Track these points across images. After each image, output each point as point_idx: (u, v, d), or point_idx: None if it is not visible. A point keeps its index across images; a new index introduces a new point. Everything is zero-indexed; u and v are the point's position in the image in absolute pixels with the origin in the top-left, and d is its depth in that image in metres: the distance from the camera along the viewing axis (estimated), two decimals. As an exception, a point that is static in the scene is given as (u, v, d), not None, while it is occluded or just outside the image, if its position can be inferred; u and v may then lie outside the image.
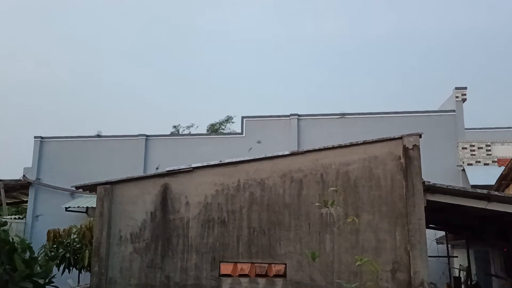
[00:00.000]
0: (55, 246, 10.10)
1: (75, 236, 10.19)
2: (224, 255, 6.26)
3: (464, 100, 16.37)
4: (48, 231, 10.30)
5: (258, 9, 67.54)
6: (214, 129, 30.06)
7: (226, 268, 6.21)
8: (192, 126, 30.99)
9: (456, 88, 16.47)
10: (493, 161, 15.43)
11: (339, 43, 65.79)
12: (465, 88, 16.44)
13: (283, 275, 6.06)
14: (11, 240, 6.06)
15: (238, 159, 6.55)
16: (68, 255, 9.87)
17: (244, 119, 18.00)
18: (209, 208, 6.42)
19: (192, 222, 6.43)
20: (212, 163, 6.61)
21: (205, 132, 29.30)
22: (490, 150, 15.59)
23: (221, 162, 6.56)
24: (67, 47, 63.27)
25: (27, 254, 6.10)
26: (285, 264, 6.09)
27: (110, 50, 65.34)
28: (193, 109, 50.77)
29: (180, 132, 30.14)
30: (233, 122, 30.14)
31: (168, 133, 27.22)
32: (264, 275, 6.10)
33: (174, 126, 31.38)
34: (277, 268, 6.09)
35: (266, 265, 6.12)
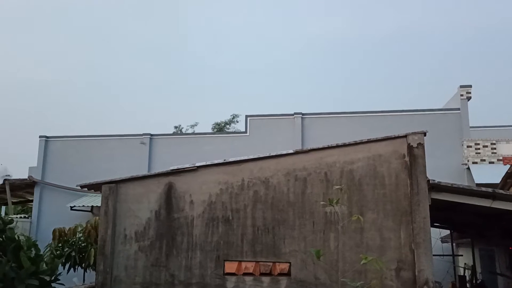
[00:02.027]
0: (60, 244, 10.17)
1: (81, 235, 10.25)
2: (228, 254, 6.28)
3: (469, 98, 16.29)
4: (53, 229, 10.37)
5: (262, 8, 67.44)
6: (219, 128, 30.09)
7: (230, 267, 6.22)
8: (196, 125, 31.06)
9: (461, 86, 16.40)
10: (498, 160, 15.35)
11: (342, 41, 65.60)
12: (470, 86, 16.37)
13: (288, 274, 6.06)
14: (17, 238, 6.11)
15: (242, 158, 6.56)
16: (74, 254, 9.94)
17: (248, 118, 18.01)
18: (214, 207, 6.44)
19: (197, 220, 6.45)
20: (216, 162, 6.62)
21: (209, 131, 29.35)
22: (495, 149, 15.51)
23: (225, 161, 6.58)
24: (70, 46, 63.48)
25: (33, 252, 6.15)
26: (290, 262, 6.09)
27: (114, 49, 65.48)
28: (197, 108, 50.80)
29: (183, 132, 30.18)
30: (237, 122, 30.19)
31: (175, 132, 27.28)
32: (269, 274, 6.11)
33: (176, 127, 31.43)
34: (281, 267, 6.10)
35: (271, 264, 6.13)
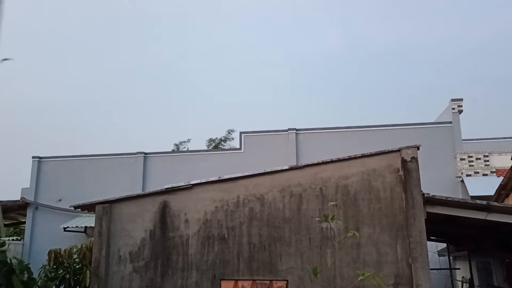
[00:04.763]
0: (55, 266, 10.01)
1: (75, 256, 10.09)
2: (224, 272, 6.21)
3: (460, 111, 16.48)
4: (49, 251, 10.20)
5: (256, 25, 68.32)
6: (215, 145, 30.05)
7: (227, 286, 6.15)
8: (188, 141, 30.98)
9: (452, 100, 16.60)
10: (492, 172, 15.45)
11: (335, 57, 66.46)
12: (461, 99, 16.57)
13: (285, 292, 6.00)
14: (9, 262, 6.02)
15: (237, 175, 6.56)
16: (68, 276, 9.78)
17: (243, 135, 18.04)
18: (209, 225, 6.40)
19: (192, 239, 6.39)
20: (211, 179, 6.60)
21: (204, 147, 29.30)
22: (488, 161, 15.62)
23: (220, 178, 6.56)
24: (64, 64, 63.67)
25: (26, 275, 6.06)
26: (287, 280, 6.04)
27: (108, 67, 65.75)
28: (189, 126, 50.87)
29: (180, 149, 30.12)
30: (233, 139, 30.18)
31: (169, 150, 27.19)
32: (266, 292, 6.04)
33: (176, 144, 31.34)
34: (278, 285, 6.03)
35: (268, 282, 6.07)
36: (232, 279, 6.16)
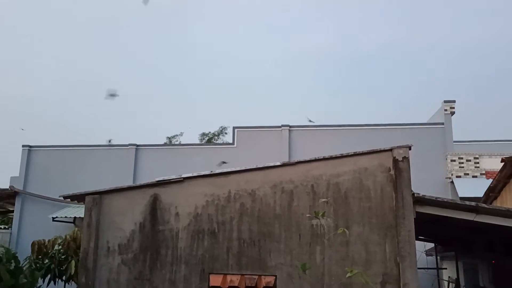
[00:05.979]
0: (40, 257, 9.95)
1: (60, 247, 10.03)
2: (213, 267, 6.21)
3: (452, 113, 16.59)
4: (32, 242, 10.13)
5: (253, 22, 68.06)
6: (208, 139, 29.95)
7: (215, 280, 6.15)
8: (181, 135, 30.81)
9: (445, 101, 16.70)
10: (481, 174, 15.60)
11: (330, 56, 66.50)
12: (454, 101, 16.69)
13: (273, 287, 6.01)
14: (-4, 251, 5.96)
15: (229, 170, 6.54)
16: (53, 266, 9.73)
17: (236, 130, 18.00)
18: (199, 219, 6.38)
19: (182, 233, 6.37)
20: (203, 173, 6.58)
21: (196, 141, 29.19)
22: (478, 163, 15.77)
23: (212, 173, 6.54)
24: (56, 54, 62.92)
25: (13, 265, 6.00)
26: (275, 276, 6.05)
27: (103, 57, 65.14)
28: (183, 119, 50.64)
29: (172, 142, 29.97)
30: (226, 133, 30.09)
31: (161, 143, 27.04)
32: (254, 287, 6.05)
33: (168, 137, 31.16)
34: (267, 280, 6.04)
35: (256, 277, 6.08)
36: (221, 273, 6.16)
